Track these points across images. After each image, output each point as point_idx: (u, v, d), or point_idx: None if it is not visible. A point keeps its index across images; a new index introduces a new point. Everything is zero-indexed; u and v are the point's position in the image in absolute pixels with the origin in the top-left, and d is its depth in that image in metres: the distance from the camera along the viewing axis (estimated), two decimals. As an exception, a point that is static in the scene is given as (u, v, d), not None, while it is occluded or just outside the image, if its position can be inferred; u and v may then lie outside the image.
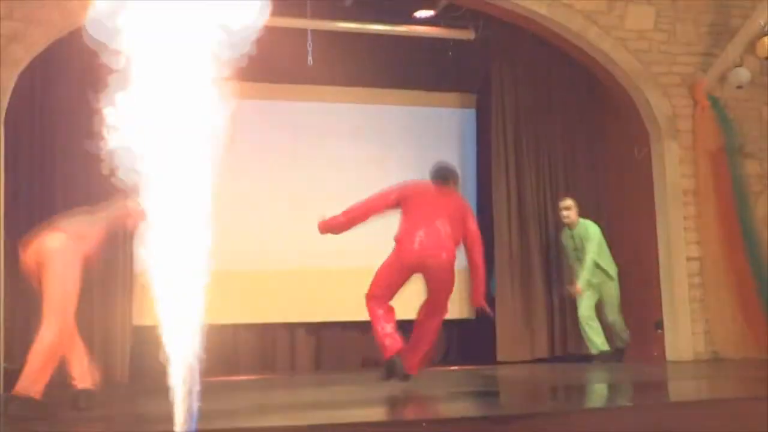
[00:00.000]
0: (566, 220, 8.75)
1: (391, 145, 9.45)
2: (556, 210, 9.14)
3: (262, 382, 7.89)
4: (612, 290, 8.60)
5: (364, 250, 9.28)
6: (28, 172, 7.82)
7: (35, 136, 7.90)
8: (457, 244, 6.32)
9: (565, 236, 8.83)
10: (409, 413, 4.95)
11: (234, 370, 8.67)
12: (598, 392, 6.50)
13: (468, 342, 9.73)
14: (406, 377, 6.16)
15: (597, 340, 8.39)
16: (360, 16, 8.92)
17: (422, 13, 9.06)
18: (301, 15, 8.56)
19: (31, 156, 7.86)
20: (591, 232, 8.58)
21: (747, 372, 7.16)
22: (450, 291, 6.35)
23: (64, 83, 7.91)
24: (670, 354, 8.50)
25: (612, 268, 8.61)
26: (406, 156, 9.53)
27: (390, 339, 6.13)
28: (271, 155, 9.29)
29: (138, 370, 7.74)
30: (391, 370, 6.07)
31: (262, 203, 9.19)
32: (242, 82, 8.51)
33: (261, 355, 9.04)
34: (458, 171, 6.98)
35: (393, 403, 5.69)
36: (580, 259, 8.57)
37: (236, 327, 8.93)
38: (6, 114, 7.09)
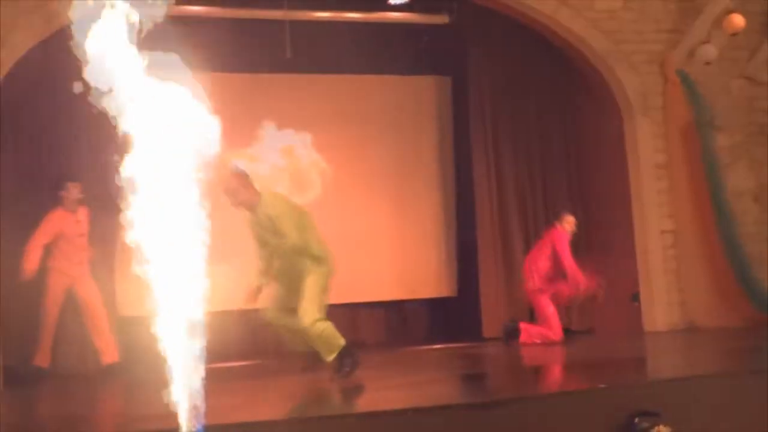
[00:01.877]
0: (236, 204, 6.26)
1: (369, 130, 9.60)
2: (535, 189, 9.36)
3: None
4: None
5: (351, 234, 9.52)
6: (17, 175, 7.97)
7: (21, 138, 8.05)
8: None
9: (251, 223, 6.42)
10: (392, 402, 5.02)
11: (224, 357, 8.83)
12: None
13: (452, 320, 9.96)
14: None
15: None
16: (336, 4, 9.04)
17: (397, 0, 9.18)
18: (278, 6, 8.67)
19: (19, 158, 8.02)
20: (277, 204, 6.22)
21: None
22: None
23: (47, 85, 8.04)
24: (647, 325, 8.75)
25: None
26: (385, 140, 9.71)
27: None
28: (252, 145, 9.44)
29: (125, 361, 7.82)
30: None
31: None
32: (221, 74, 8.59)
33: (252, 341, 9.19)
34: None
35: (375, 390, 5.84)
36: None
37: (224, 314, 9.08)
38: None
